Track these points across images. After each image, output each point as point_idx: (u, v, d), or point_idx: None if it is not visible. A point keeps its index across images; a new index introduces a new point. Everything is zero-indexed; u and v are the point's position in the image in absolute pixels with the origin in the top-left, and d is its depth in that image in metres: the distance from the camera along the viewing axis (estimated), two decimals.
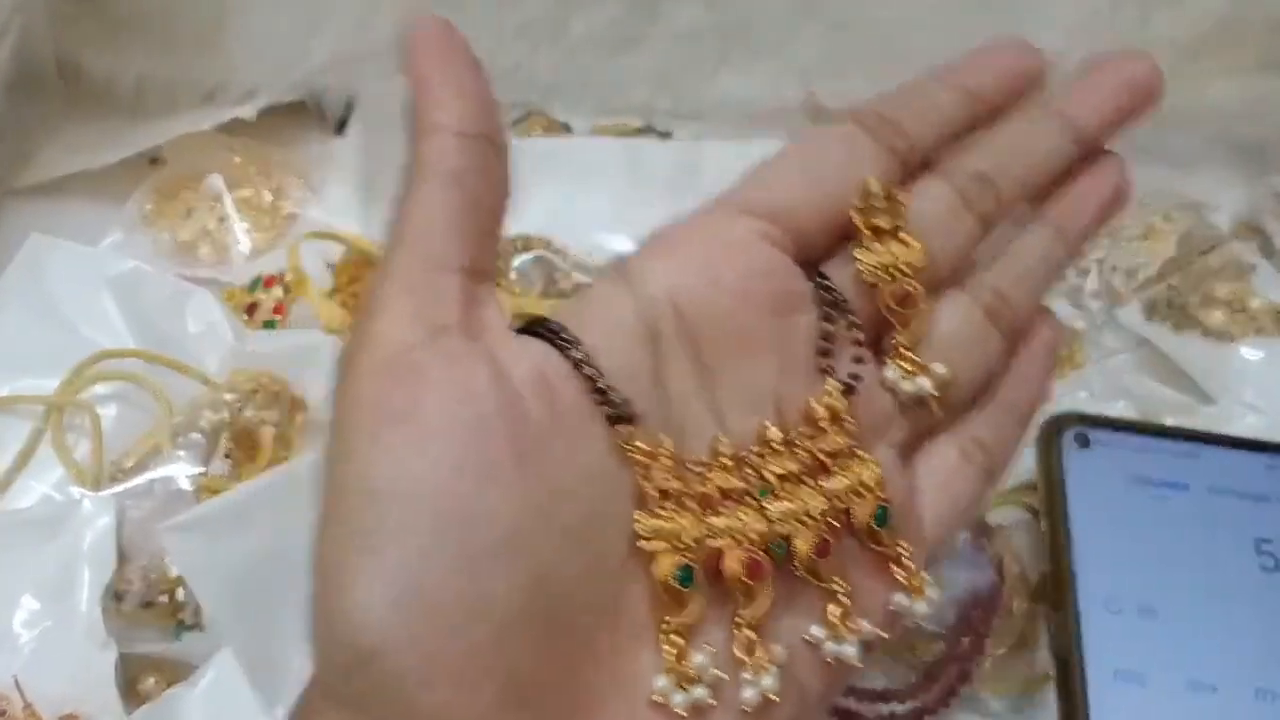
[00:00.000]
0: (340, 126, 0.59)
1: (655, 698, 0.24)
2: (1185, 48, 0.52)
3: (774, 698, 0.25)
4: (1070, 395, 0.47)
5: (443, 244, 0.25)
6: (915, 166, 0.29)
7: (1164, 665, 0.38)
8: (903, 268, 0.28)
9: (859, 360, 0.28)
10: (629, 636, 0.25)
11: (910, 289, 0.28)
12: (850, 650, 0.26)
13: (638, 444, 0.25)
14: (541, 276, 0.53)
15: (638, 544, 0.25)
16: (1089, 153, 0.30)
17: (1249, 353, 0.50)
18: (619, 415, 0.25)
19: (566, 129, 0.59)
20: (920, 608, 0.27)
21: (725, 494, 0.26)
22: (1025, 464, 0.43)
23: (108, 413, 0.47)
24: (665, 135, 0.59)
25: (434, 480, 0.23)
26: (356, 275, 0.52)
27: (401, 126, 0.26)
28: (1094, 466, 0.42)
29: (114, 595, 0.42)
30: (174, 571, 0.42)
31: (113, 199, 0.55)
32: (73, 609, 0.41)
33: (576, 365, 0.25)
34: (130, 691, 0.41)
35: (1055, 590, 0.40)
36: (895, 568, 0.27)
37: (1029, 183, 0.30)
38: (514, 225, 0.46)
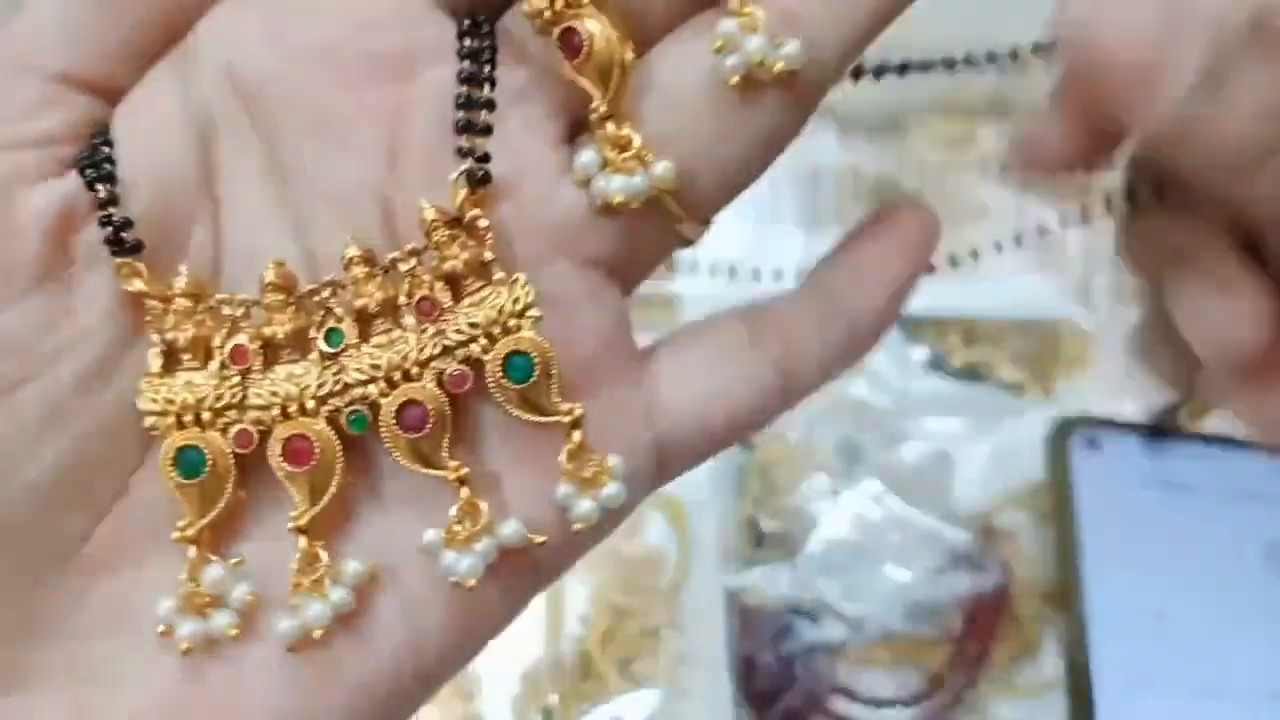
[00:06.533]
0: None
1: (159, 627, 0.18)
2: None
3: (317, 632, 0.18)
4: (1080, 397, 0.47)
5: (37, 38, 0.18)
6: None
7: (1174, 669, 0.38)
8: None
9: (484, 130, 0.18)
10: (142, 545, 0.18)
11: (569, 20, 0.18)
12: (466, 564, 0.18)
13: (138, 282, 0.18)
14: None
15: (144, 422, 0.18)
16: None
17: None
18: (116, 242, 0.18)
19: None
20: (585, 506, 0.18)
21: (272, 344, 0.18)
22: (1034, 466, 0.43)
23: None
24: None
25: None
26: None
27: None
28: (1104, 469, 0.42)
29: None
30: None
31: None
32: None
33: (89, 186, 0.18)
34: None
35: (1064, 594, 0.40)
36: (568, 445, 0.18)
37: None
38: None
